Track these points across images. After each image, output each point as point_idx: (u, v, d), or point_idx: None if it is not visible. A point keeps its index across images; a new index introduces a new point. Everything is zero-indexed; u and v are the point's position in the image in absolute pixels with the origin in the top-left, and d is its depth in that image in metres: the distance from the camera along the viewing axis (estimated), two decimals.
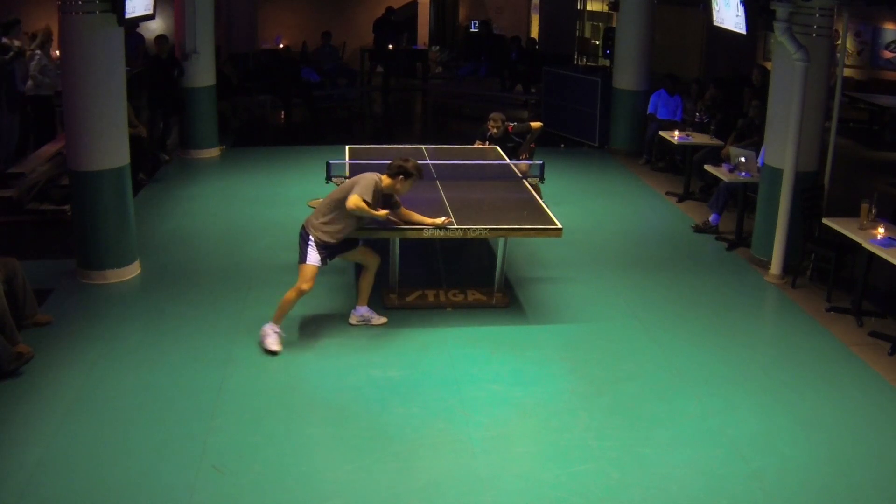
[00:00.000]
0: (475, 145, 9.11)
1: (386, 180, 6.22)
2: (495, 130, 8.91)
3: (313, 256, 6.17)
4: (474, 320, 6.80)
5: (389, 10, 18.02)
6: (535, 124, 9.14)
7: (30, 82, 10.25)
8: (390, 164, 6.28)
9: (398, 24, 18.35)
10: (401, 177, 6.19)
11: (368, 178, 6.14)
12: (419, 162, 6.42)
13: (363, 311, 6.65)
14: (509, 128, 8.99)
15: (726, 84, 11.52)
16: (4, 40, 9.95)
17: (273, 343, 6.17)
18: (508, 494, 4.67)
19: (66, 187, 8.59)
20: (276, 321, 6.23)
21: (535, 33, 19.79)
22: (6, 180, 8.95)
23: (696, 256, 8.54)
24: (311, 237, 6.17)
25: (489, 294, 7.12)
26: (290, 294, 6.20)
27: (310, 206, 7.70)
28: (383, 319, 6.67)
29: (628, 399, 5.69)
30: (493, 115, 9.06)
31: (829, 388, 5.92)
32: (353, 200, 5.97)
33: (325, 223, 6.16)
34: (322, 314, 6.71)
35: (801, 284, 7.69)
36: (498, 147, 8.88)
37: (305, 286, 6.17)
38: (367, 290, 6.62)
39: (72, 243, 7.62)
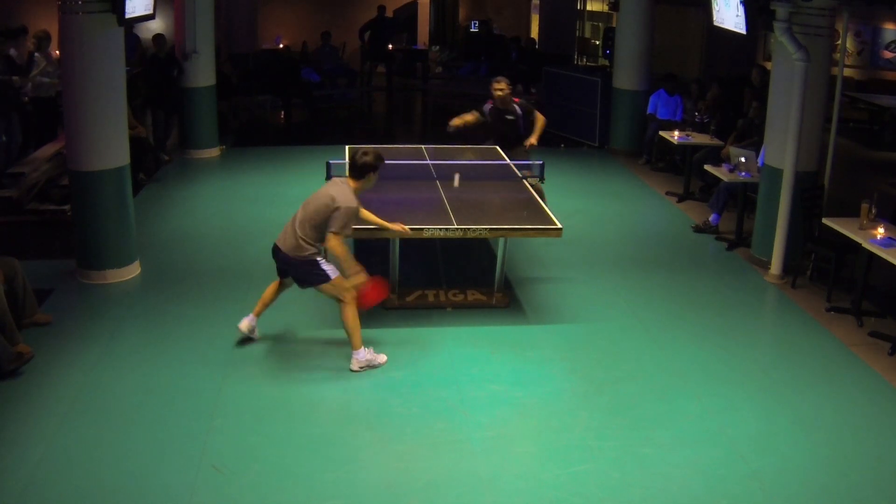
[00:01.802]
0: (467, 116, 8.61)
1: (353, 184, 5.83)
2: (500, 93, 8.48)
3: (329, 268, 5.87)
4: (474, 320, 6.80)
5: (382, 8, 17.66)
6: (541, 117, 8.68)
7: (29, 84, 10.25)
8: (352, 164, 5.86)
9: (391, 22, 18.08)
10: (370, 174, 5.84)
11: (347, 207, 5.66)
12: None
13: (254, 320, 6.35)
14: (515, 99, 8.64)
15: (726, 84, 11.53)
16: (12, 52, 9.96)
17: (381, 356, 6.01)
18: (508, 494, 4.67)
19: (66, 187, 8.59)
20: (357, 347, 5.92)
21: (535, 33, 19.78)
22: (6, 180, 8.95)
23: (696, 256, 8.54)
24: (318, 260, 5.85)
25: (489, 294, 7.12)
26: (347, 312, 5.84)
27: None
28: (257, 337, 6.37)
29: (628, 399, 5.69)
30: (498, 77, 8.59)
31: (829, 388, 5.92)
32: (335, 244, 5.64)
33: (314, 241, 5.82)
34: (321, 315, 6.70)
35: (801, 284, 7.69)
36: (498, 148, 8.87)
37: (348, 295, 5.84)
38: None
39: (72, 243, 7.62)
